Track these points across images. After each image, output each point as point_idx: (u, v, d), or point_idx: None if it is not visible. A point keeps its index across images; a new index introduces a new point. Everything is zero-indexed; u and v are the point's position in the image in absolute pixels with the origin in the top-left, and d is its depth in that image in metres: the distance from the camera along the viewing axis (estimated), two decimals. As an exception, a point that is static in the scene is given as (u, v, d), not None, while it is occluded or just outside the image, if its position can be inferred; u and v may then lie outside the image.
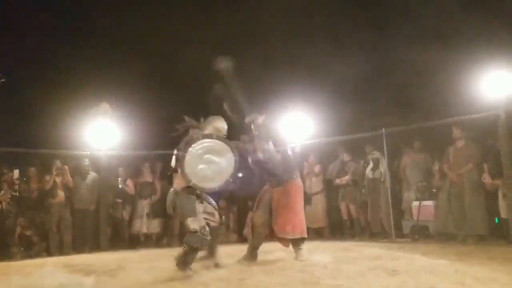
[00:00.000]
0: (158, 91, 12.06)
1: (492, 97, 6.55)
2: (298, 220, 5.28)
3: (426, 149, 8.34)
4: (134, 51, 12.63)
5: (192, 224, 4.44)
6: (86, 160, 8.74)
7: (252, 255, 5.27)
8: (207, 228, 4.51)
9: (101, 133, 8.67)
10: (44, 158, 8.77)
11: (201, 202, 4.72)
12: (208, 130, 4.82)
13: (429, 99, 9.30)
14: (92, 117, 8.70)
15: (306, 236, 5.36)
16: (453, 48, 9.13)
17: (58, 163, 8.47)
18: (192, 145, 4.53)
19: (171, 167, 4.85)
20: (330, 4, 11.78)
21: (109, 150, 8.82)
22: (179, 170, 4.57)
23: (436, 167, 7.91)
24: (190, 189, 4.58)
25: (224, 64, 5.29)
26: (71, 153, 8.79)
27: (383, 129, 7.95)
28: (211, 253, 4.87)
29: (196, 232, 4.39)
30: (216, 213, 4.90)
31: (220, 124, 4.94)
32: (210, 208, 4.81)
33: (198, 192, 4.66)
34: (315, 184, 9.09)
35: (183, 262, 4.43)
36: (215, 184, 4.68)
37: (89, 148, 8.74)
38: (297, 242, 5.30)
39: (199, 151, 4.55)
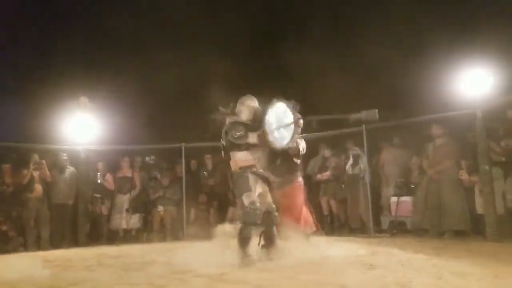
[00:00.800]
0: (138, 85, 11.95)
1: (469, 95, 6.66)
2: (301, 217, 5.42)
3: (405, 146, 8.45)
4: (113, 45, 12.50)
5: (245, 200, 4.64)
6: (64, 154, 8.62)
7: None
8: (258, 204, 4.61)
9: (80, 127, 8.57)
10: (22, 152, 8.62)
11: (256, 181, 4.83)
12: (243, 112, 4.93)
13: (409, 97, 9.41)
14: (71, 111, 8.60)
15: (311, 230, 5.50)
16: (433, 48, 9.25)
17: (36, 157, 8.33)
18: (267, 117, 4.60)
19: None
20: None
21: (88, 145, 8.71)
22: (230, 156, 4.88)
23: (414, 163, 8.03)
24: (244, 169, 4.78)
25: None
26: (49, 147, 8.65)
27: (363, 125, 8.03)
28: (267, 241, 4.86)
29: (246, 207, 4.56)
30: (269, 195, 4.92)
31: (252, 103, 4.99)
32: (263, 189, 4.88)
33: (253, 171, 4.81)
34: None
35: (240, 239, 4.60)
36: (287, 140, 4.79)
37: (67, 142, 8.63)
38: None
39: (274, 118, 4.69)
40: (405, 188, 7.90)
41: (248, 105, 4.96)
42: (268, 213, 4.78)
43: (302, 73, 10.94)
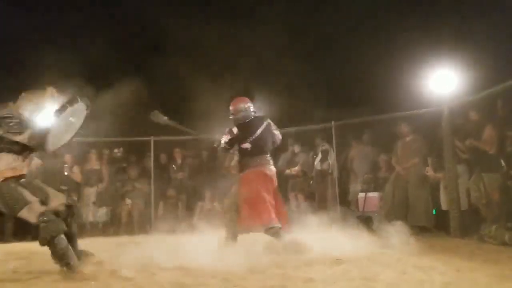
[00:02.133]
0: (106, 76, 11.75)
1: (437, 93, 6.79)
2: (262, 212, 5.10)
3: (374, 142, 8.58)
4: (84, 33, 12.25)
5: (29, 215, 3.78)
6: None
7: (227, 243, 5.18)
8: (50, 213, 3.81)
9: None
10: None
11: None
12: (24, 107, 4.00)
13: (378, 94, 9.56)
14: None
15: (274, 225, 5.06)
16: (401, 46, 9.41)
17: None
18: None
19: None
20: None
21: (54, 136, 8.53)
22: None
23: (382, 159, 8.15)
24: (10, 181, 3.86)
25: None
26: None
27: (333, 122, 8.13)
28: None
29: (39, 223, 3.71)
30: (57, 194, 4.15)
31: (36, 100, 4.07)
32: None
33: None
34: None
35: (57, 256, 3.82)
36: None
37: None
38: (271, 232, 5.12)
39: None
40: (372, 184, 8.02)
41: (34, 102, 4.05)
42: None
43: (276, 68, 10.97)
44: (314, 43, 11.37)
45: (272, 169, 5.47)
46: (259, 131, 5.43)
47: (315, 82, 10.10)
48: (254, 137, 5.40)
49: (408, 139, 7.55)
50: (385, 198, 7.63)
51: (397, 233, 6.98)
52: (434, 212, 7.22)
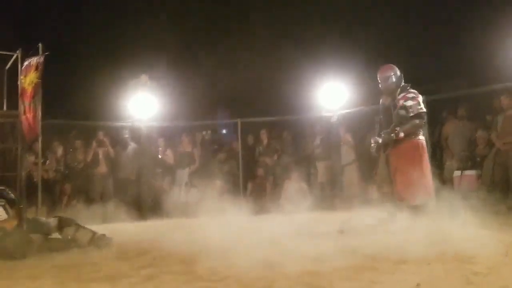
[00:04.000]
0: (197, 62, 12.12)
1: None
2: (417, 184, 5.06)
3: (470, 117, 8.05)
4: (172, 23, 12.70)
5: None
6: (126, 131, 8.96)
7: (392, 219, 5.12)
8: None
9: (141, 105, 8.86)
10: (87, 130, 9.09)
11: None
12: None
13: (474, 65, 8.93)
14: (132, 89, 8.89)
15: (428, 198, 5.13)
16: (501, 11, 8.69)
17: (100, 134, 8.73)
18: None
19: None
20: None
21: (149, 121, 9.01)
22: None
23: (480, 136, 7.64)
24: None
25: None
26: (113, 125, 9.04)
27: (424, 97, 7.73)
28: None
29: None
30: None
31: None
32: None
33: None
34: (347, 154, 8.91)
35: None
36: None
37: (130, 120, 8.96)
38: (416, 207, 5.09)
39: None
40: (469, 162, 7.57)
41: None
42: None
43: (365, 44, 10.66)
44: (407, 15, 10.86)
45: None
46: None
47: (407, 55, 9.63)
48: None
49: (510, 112, 7.01)
50: (484, 176, 7.19)
51: (497, 213, 6.59)
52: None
